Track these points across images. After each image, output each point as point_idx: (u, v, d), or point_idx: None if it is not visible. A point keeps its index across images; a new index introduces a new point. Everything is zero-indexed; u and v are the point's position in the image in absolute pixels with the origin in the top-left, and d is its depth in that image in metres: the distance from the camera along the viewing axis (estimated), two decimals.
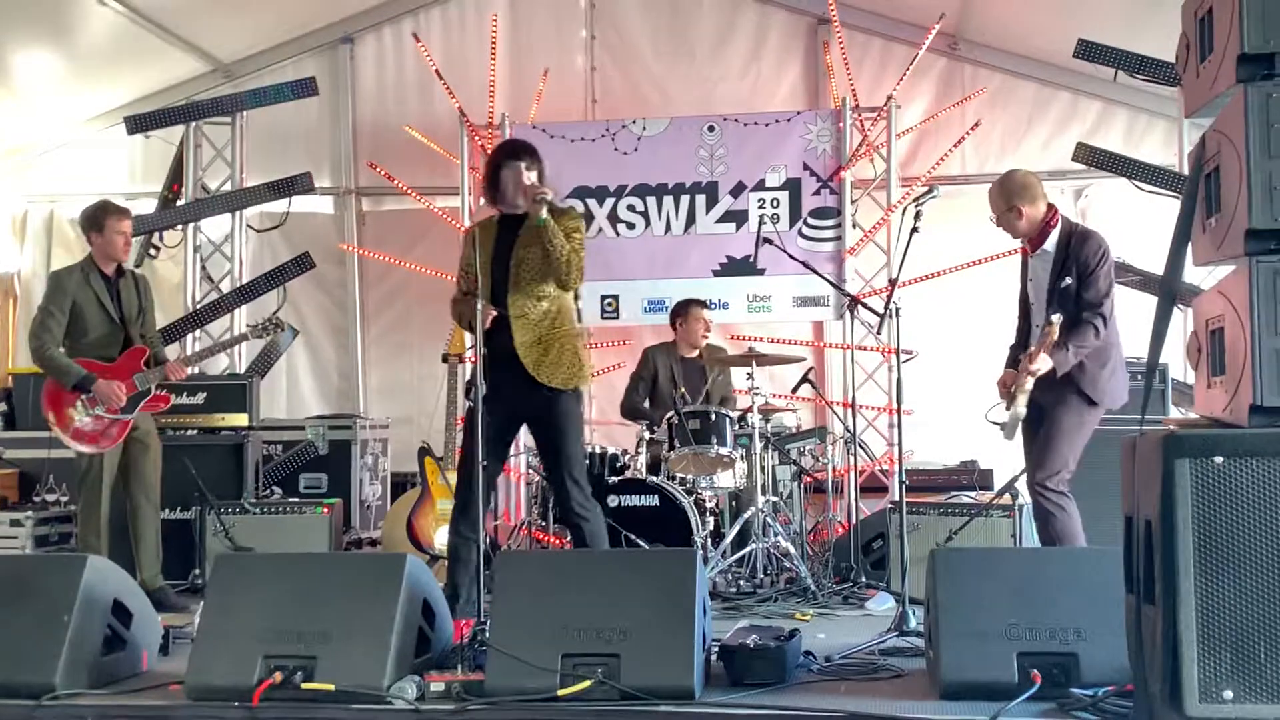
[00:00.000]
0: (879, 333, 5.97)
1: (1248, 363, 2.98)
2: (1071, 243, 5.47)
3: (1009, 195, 5.52)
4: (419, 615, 4.22)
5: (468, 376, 5.48)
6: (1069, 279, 5.39)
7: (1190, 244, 3.41)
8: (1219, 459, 2.92)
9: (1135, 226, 8.17)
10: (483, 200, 5.73)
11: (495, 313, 5.32)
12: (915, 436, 8.53)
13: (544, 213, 5.19)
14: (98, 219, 6.43)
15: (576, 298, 6.76)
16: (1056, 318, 5.17)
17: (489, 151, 8.86)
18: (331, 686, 3.86)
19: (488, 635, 4.07)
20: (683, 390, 7.39)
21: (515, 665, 3.87)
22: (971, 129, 8.80)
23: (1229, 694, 2.87)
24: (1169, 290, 3.35)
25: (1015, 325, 5.94)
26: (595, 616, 3.96)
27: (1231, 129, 3.09)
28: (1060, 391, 5.39)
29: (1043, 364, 5.24)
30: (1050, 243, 5.52)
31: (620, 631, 3.92)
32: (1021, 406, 5.40)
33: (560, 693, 3.80)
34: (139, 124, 8.77)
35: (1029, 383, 5.34)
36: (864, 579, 6.59)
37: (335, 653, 3.95)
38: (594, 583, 4.10)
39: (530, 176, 5.35)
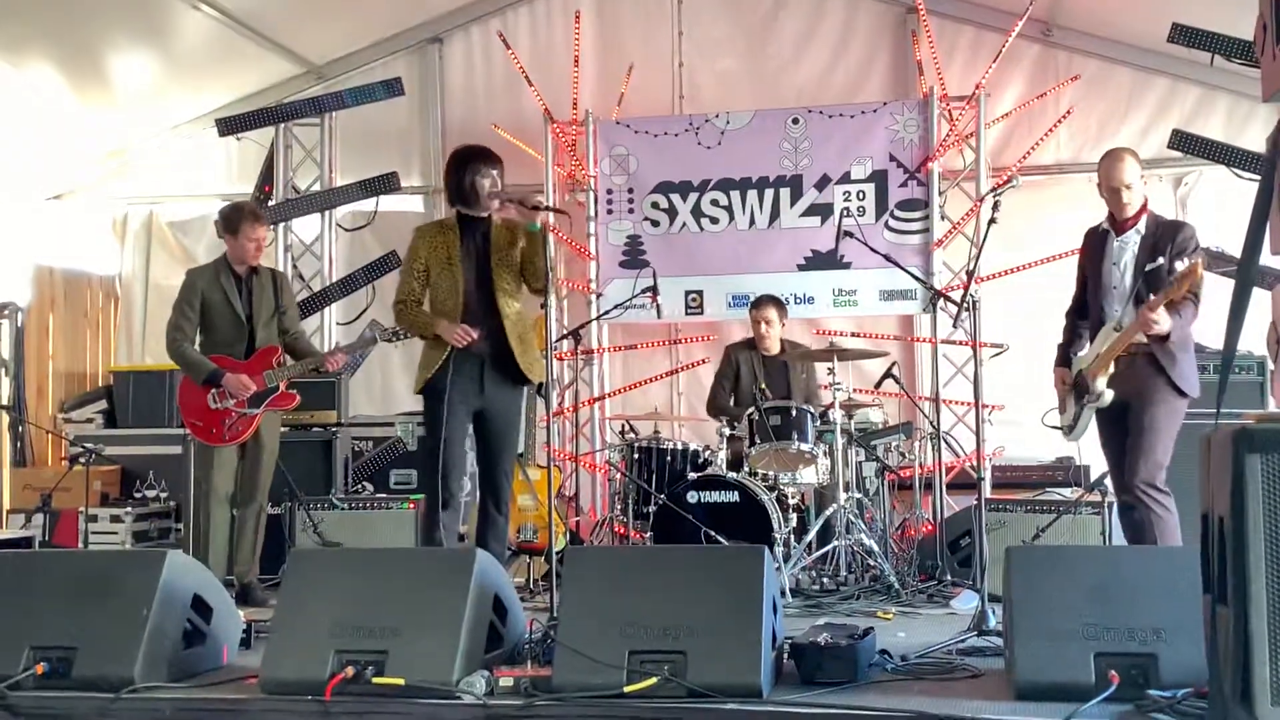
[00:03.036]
0: (955, 326, 5.87)
1: None
2: (1162, 228, 5.46)
3: (1140, 166, 5.51)
4: (490, 610, 4.23)
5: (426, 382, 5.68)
6: (1161, 259, 5.32)
7: (1268, 231, 3.30)
8: None
9: (1236, 216, 7.91)
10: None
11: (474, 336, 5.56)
12: (1010, 432, 8.45)
13: (536, 221, 5.45)
14: (233, 222, 6.62)
15: None
16: (1185, 263, 5.06)
17: (572, 148, 9.00)
18: (402, 681, 3.89)
19: (556, 631, 4.08)
20: (763, 385, 7.32)
21: (582, 661, 3.87)
22: (1063, 116, 8.62)
23: None
24: (1245, 278, 3.23)
25: (1065, 325, 5.89)
26: (662, 613, 3.94)
27: None
28: (1150, 386, 5.32)
29: (1163, 320, 5.12)
30: (1141, 225, 5.49)
31: (687, 629, 3.89)
32: (1108, 391, 5.31)
33: (626, 689, 3.78)
34: (230, 126, 8.95)
35: (1112, 361, 5.29)
36: (949, 577, 6.49)
37: (405, 648, 3.98)
38: (662, 580, 4.09)
39: (499, 184, 5.64)
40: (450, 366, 5.55)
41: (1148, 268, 5.35)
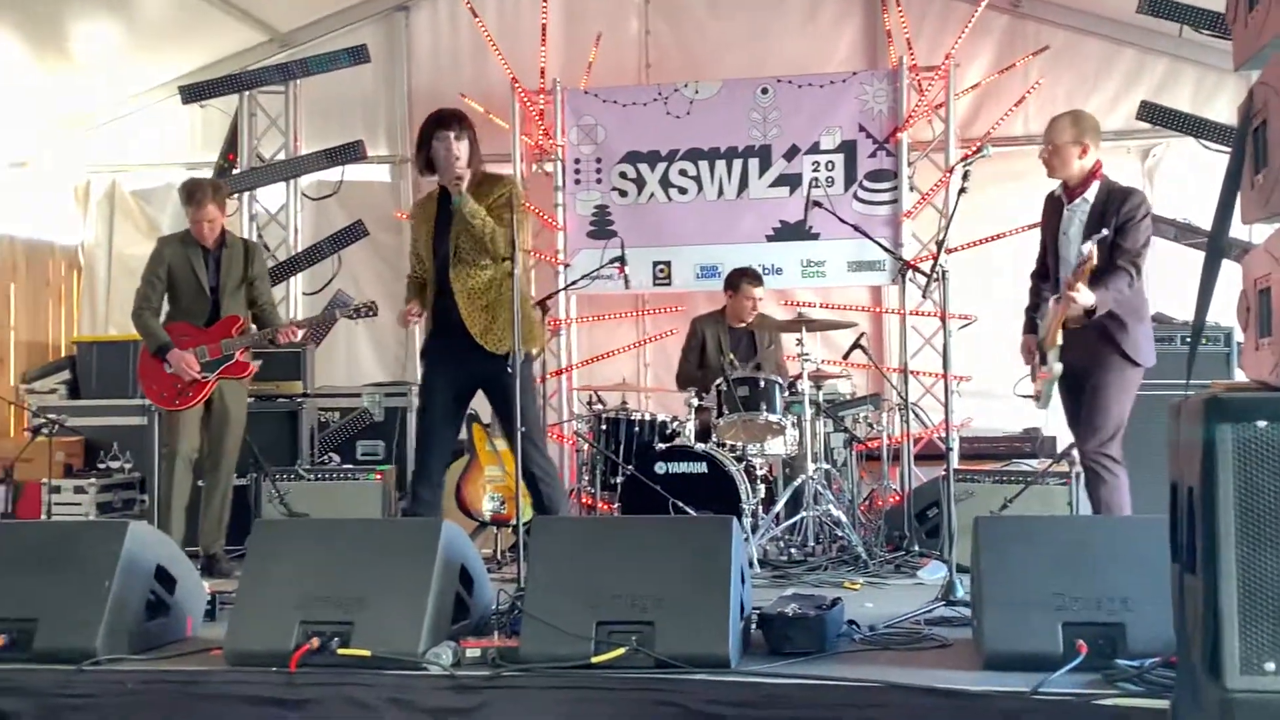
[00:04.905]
0: (924, 297, 5.83)
1: None
2: (1111, 195, 5.37)
3: (1082, 130, 5.40)
4: (456, 581, 4.20)
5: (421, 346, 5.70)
6: (1105, 230, 5.24)
7: (1239, 201, 3.28)
8: (1262, 423, 2.79)
9: (1204, 187, 7.95)
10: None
11: (415, 319, 5.59)
12: (977, 404, 8.47)
13: (459, 195, 5.27)
14: (184, 203, 6.61)
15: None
16: (1089, 246, 5.00)
17: (540, 118, 8.94)
18: (367, 652, 3.85)
19: (523, 602, 4.06)
20: (731, 356, 7.30)
21: (550, 632, 3.84)
22: (1032, 88, 8.61)
23: (1271, 666, 2.76)
24: (1215, 249, 3.22)
25: (1030, 287, 5.84)
26: (630, 584, 3.92)
27: (1277, 80, 2.95)
28: (1099, 355, 5.30)
29: (1083, 296, 5.04)
30: (1090, 193, 5.42)
31: (655, 599, 3.87)
32: (1057, 363, 5.31)
33: (594, 660, 3.76)
34: (193, 94, 8.84)
35: (1059, 333, 5.27)
36: (917, 547, 6.50)
37: (371, 618, 3.94)
38: (630, 550, 4.06)
39: (460, 147, 5.37)
40: (433, 338, 5.54)
41: (1094, 238, 5.24)
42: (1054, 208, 5.60)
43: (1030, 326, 5.78)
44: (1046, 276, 5.70)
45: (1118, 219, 5.28)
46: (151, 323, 6.50)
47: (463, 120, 5.47)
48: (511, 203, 5.35)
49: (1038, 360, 5.61)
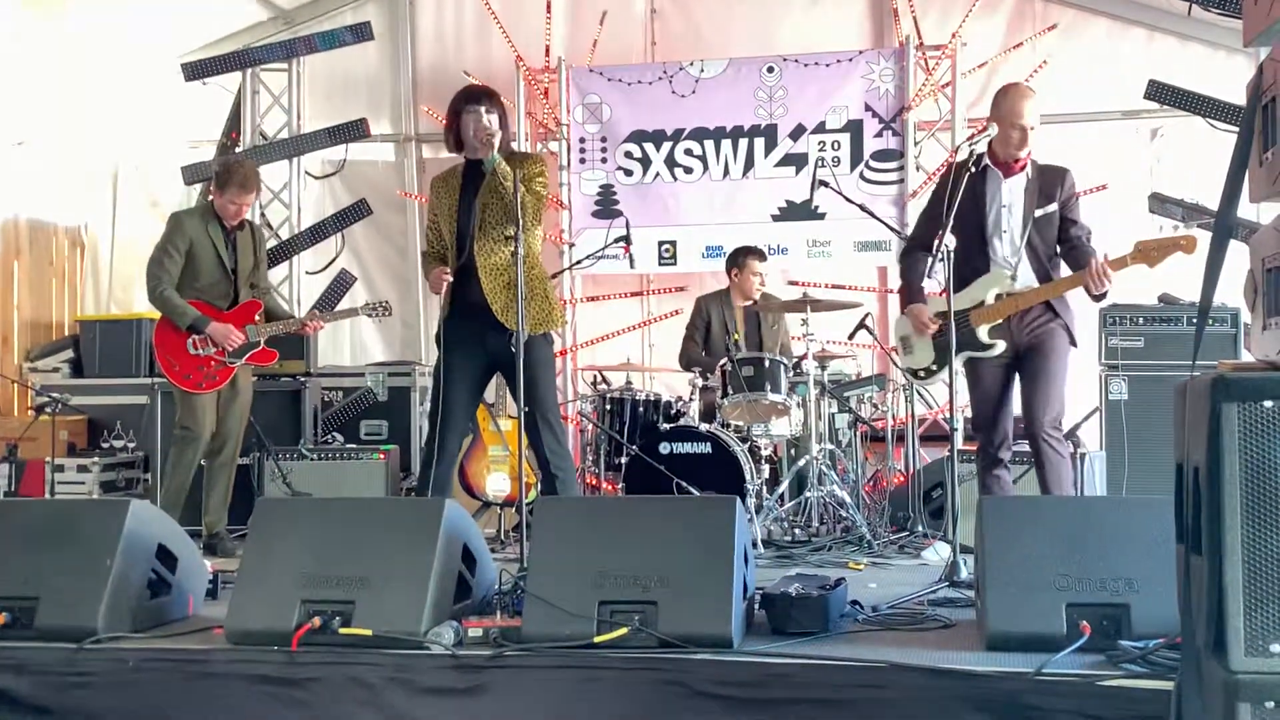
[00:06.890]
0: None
1: None
2: (1047, 172, 5.42)
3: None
4: (458, 561, 4.19)
5: (436, 329, 5.54)
6: (1052, 207, 5.34)
7: (1247, 180, 3.24)
8: (1269, 403, 2.76)
9: (1211, 167, 7.89)
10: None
11: (449, 278, 5.39)
12: None
13: (493, 154, 5.19)
14: (223, 181, 6.46)
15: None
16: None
17: (545, 96, 8.91)
18: (369, 632, 3.84)
19: (526, 581, 4.04)
20: (736, 337, 7.28)
21: (552, 612, 3.83)
22: (1039, 67, 8.55)
23: (1276, 647, 2.74)
24: (1223, 228, 3.18)
25: (910, 260, 5.71)
26: (633, 564, 3.90)
27: None
28: (1049, 335, 5.35)
29: (1109, 283, 5.14)
30: (1029, 169, 5.42)
31: (658, 579, 3.85)
32: (999, 340, 5.36)
33: (597, 639, 3.75)
34: (196, 71, 8.82)
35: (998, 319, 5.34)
36: (921, 528, 6.48)
37: (373, 598, 3.93)
38: (632, 530, 4.05)
39: (491, 120, 5.31)
40: (452, 315, 5.43)
41: (1038, 213, 5.33)
42: (976, 181, 5.34)
43: (917, 297, 5.66)
44: (928, 247, 5.41)
45: (1062, 193, 5.38)
46: (176, 298, 6.31)
47: (493, 96, 5.46)
48: (542, 178, 5.41)
49: (930, 329, 5.55)
